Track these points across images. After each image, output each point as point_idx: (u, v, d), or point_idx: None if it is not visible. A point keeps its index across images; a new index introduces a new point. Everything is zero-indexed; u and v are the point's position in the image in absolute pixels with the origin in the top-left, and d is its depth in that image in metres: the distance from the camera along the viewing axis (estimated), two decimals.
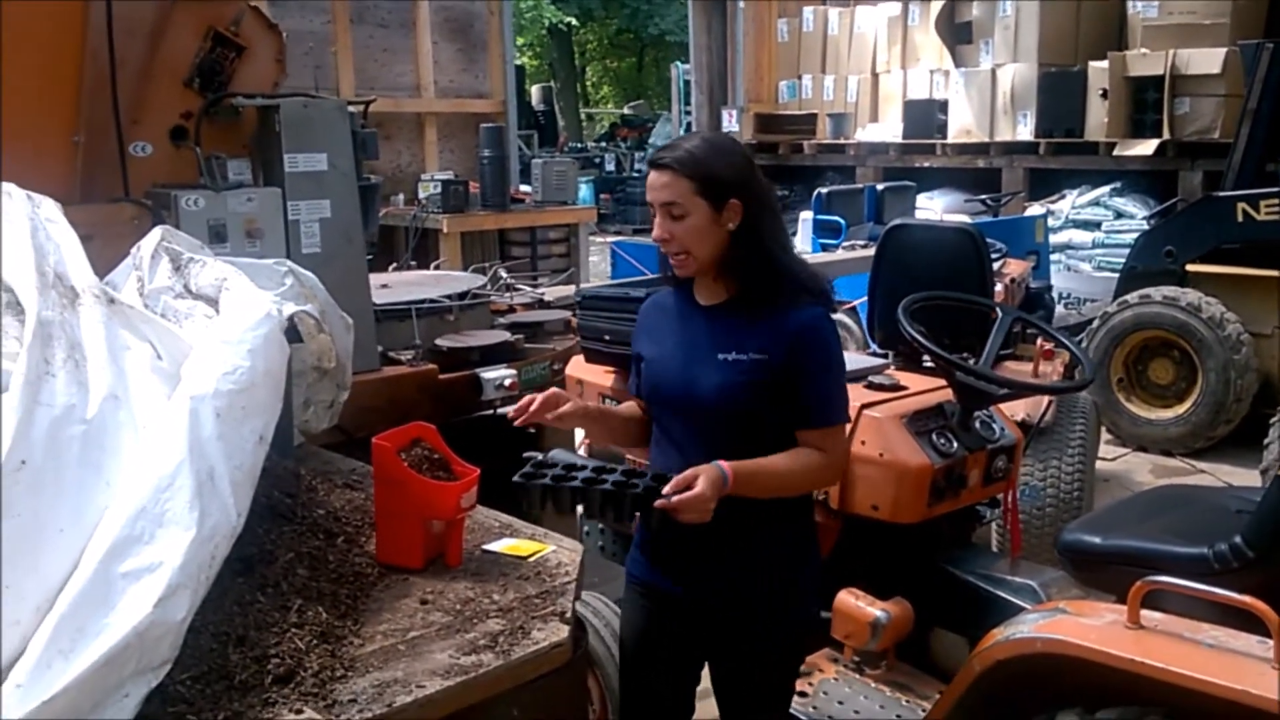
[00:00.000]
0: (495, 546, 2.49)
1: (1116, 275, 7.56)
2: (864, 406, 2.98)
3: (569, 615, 2.21)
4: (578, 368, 3.89)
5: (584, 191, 14.29)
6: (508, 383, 4.06)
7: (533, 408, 2.35)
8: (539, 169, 9.34)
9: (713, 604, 2.37)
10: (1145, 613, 2.16)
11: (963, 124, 10.64)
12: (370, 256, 4.31)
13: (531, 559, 2.45)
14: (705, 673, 2.54)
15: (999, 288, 5.82)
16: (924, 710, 2.80)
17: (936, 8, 10.82)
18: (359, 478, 2.91)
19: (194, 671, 1.84)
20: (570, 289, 5.48)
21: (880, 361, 3.44)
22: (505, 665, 2.02)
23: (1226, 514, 2.56)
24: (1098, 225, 9.50)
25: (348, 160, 3.81)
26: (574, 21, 27.24)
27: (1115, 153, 9.24)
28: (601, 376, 3.72)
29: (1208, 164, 8.61)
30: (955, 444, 2.96)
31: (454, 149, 10.33)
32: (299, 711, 1.82)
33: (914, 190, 9.11)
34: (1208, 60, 8.63)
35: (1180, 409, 6.71)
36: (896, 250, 4.90)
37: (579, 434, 4.21)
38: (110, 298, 2.22)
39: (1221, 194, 6.75)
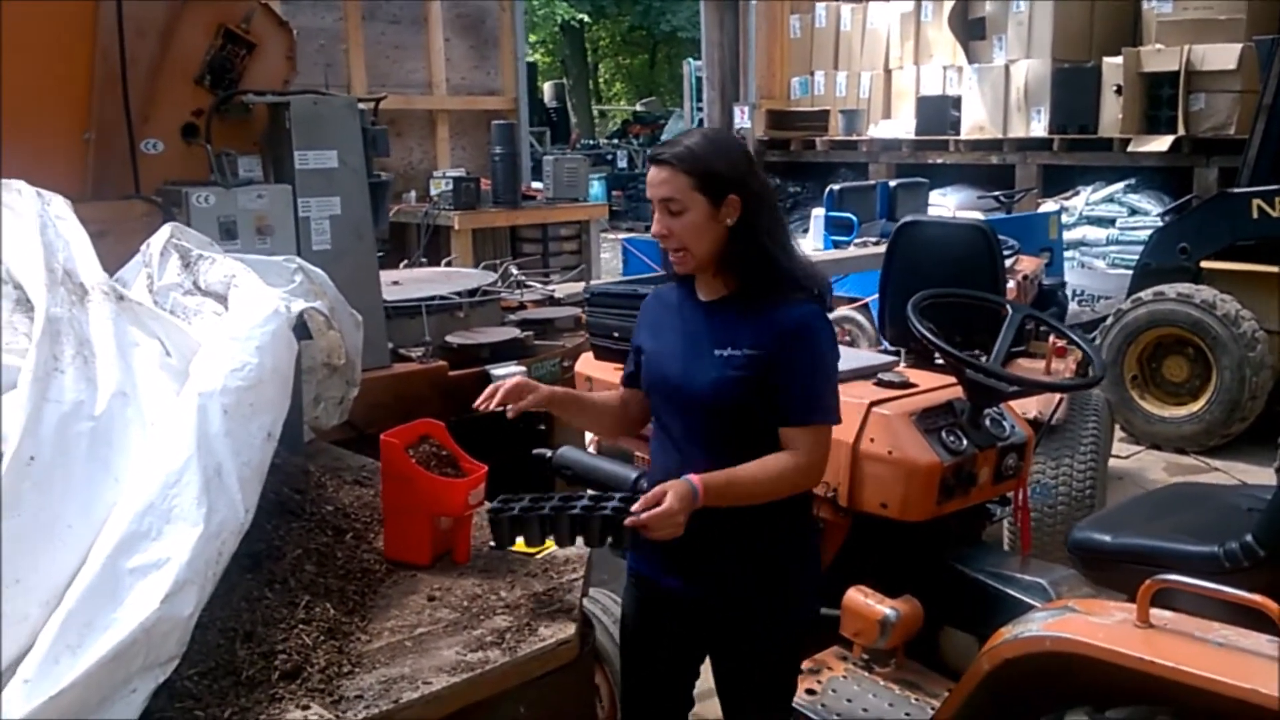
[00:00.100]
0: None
1: (1131, 272, 7.52)
2: (873, 404, 2.97)
3: (576, 612, 2.21)
4: (587, 364, 3.89)
5: (596, 188, 14.28)
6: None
7: (498, 396, 2.36)
8: (550, 166, 9.33)
9: (711, 601, 2.37)
10: (1155, 611, 2.15)
11: (976, 120, 10.59)
12: (381, 254, 4.32)
13: (539, 556, 2.45)
14: (708, 672, 2.54)
15: (1011, 284, 5.80)
16: (933, 708, 2.79)
17: (949, 4, 10.78)
18: (368, 474, 2.92)
19: (201, 667, 1.85)
20: (581, 286, 5.48)
21: (889, 359, 3.43)
22: (512, 662, 2.03)
23: (1238, 512, 2.54)
24: (1112, 222, 9.45)
25: (358, 157, 3.82)
26: (586, 18, 27.23)
27: (1130, 149, 9.19)
28: (610, 373, 3.72)
29: (1223, 160, 8.56)
30: (965, 442, 2.95)
31: (466, 146, 10.32)
32: (306, 707, 1.83)
33: (927, 187, 9.07)
34: (1223, 56, 8.58)
35: (1194, 407, 6.67)
36: (908, 247, 4.89)
37: (588, 433, 4.22)
38: (119, 294, 2.23)
39: (1236, 190, 6.71)
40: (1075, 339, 3.44)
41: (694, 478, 2.16)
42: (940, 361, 3.26)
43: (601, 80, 34.15)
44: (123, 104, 3.49)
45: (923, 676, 2.97)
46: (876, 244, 7.25)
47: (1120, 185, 9.45)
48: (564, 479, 3.45)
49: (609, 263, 11.62)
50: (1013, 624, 2.36)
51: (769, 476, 2.23)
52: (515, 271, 5.37)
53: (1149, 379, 6.89)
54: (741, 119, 12.38)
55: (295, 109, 3.65)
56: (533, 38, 25.89)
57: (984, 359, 3.08)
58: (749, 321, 2.27)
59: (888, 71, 11.79)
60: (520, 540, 2.27)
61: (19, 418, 1.78)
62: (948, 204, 9.99)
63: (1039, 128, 10.04)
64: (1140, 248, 7.73)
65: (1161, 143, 8.89)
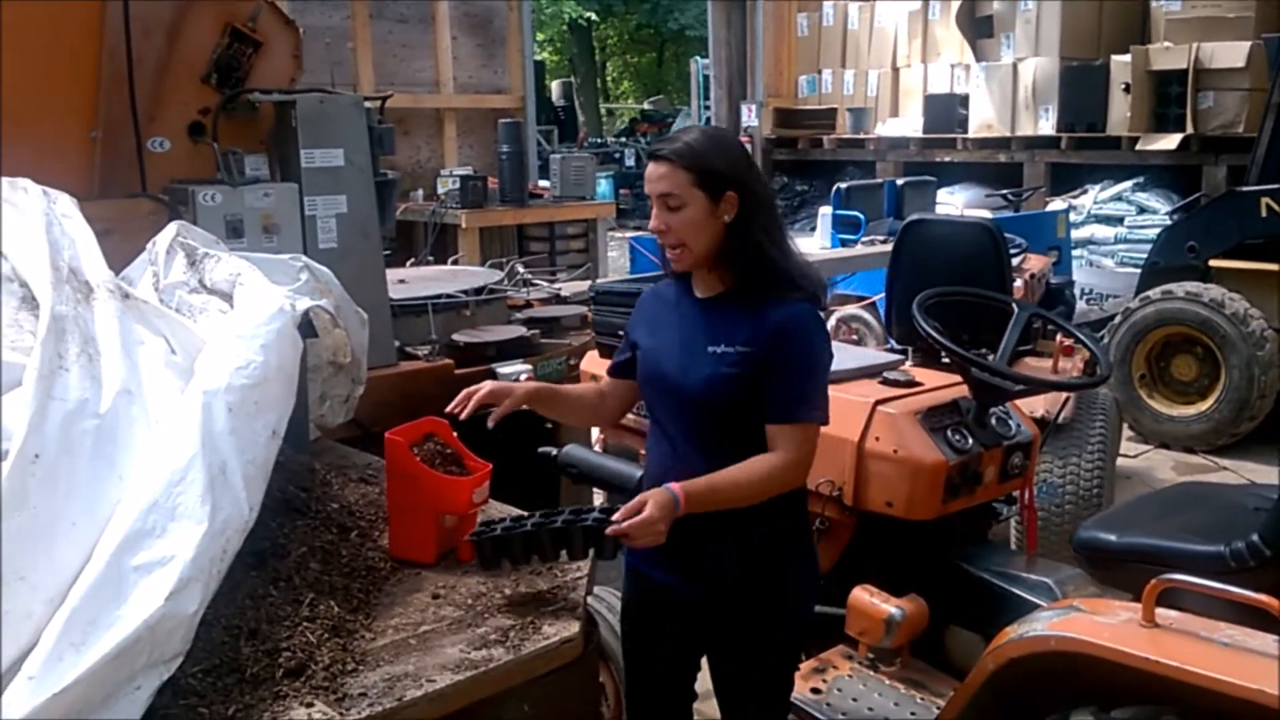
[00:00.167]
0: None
1: (1139, 271, 7.51)
2: (878, 402, 2.97)
3: (580, 610, 2.21)
4: (592, 363, 3.89)
5: (603, 187, 14.27)
6: (523, 378, 4.06)
7: (471, 402, 2.38)
8: (557, 164, 9.34)
9: (707, 601, 2.38)
10: (1160, 611, 2.14)
11: (984, 118, 10.58)
12: (388, 252, 4.32)
13: None
14: (708, 670, 2.54)
15: (1019, 283, 5.79)
16: (938, 708, 2.79)
17: (957, 2, 10.77)
18: (374, 472, 2.92)
19: (205, 664, 1.85)
20: (587, 284, 5.48)
21: (895, 357, 3.43)
22: (516, 660, 2.03)
23: (1244, 512, 2.53)
24: (1120, 220, 9.43)
25: (364, 156, 3.82)
26: (594, 17, 27.22)
27: (1138, 147, 9.18)
28: None
29: (1231, 158, 8.54)
30: (970, 440, 2.94)
31: (473, 144, 10.34)
32: (309, 705, 1.83)
33: (934, 185, 9.06)
34: (1232, 54, 8.56)
35: (1203, 406, 6.64)
36: (915, 245, 4.89)
37: (594, 432, 4.22)
38: (124, 292, 2.24)
39: (1245, 189, 6.69)
40: (1081, 337, 3.44)
41: (675, 486, 2.17)
42: (947, 360, 3.26)
43: (609, 79, 34.15)
44: (129, 103, 3.49)
45: (928, 675, 2.96)
46: (884, 242, 7.25)
47: (1128, 183, 9.43)
48: (569, 477, 3.45)
49: (616, 261, 11.62)
50: (1018, 623, 2.35)
51: (752, 479, 2.23)
52: (521, 270, 5.37)
53: (1157, 378, 6.86)
54: (749, 117, 12.40)
55: (301, 107, 3.65)
56: (540, 36, 25.89)
57: (990, 358, 3.08)
58: (744, 319, 2.27)
59: (895, 70, 11.79)
60: (506, 562, 2.27)
61: (24, 415, 1.79)
62: (955, 202, 9.98)
63: (1047, 126, 10.04)
64: (1148, 246, 7.72)
65: (1170, 141, 8.88)
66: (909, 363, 3.63)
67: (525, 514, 2.33)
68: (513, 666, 2.02)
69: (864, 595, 2.91)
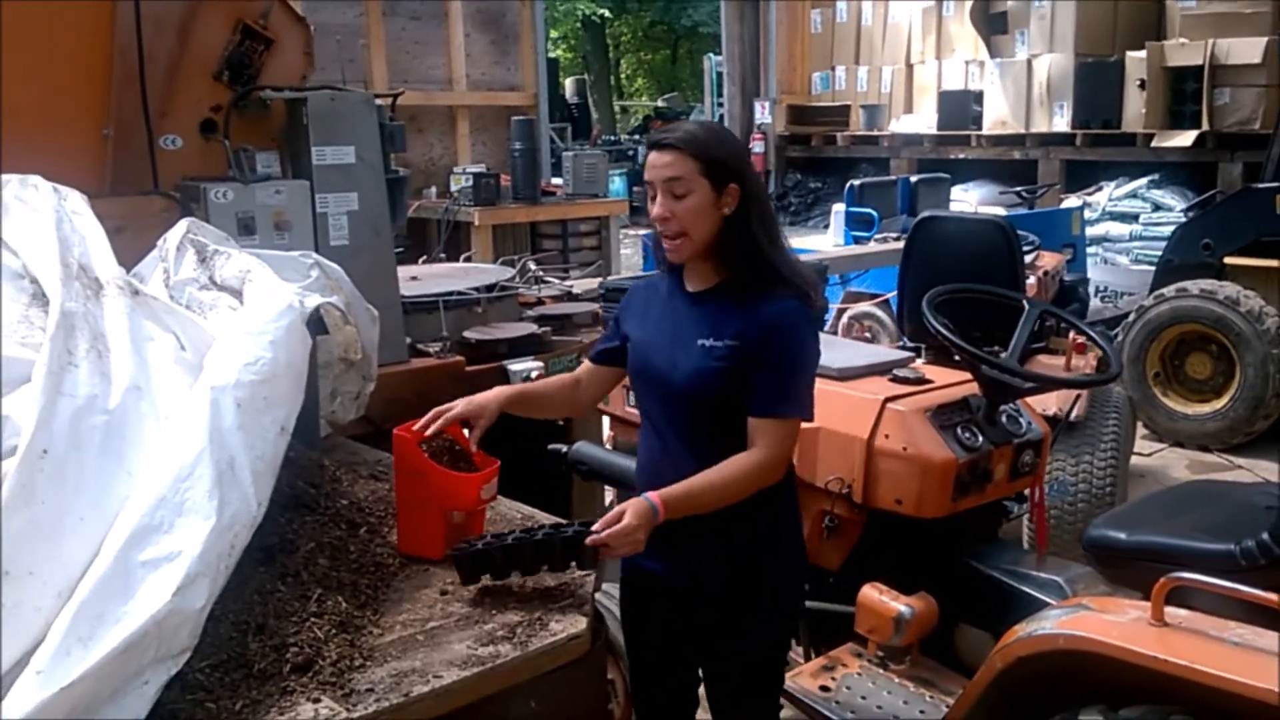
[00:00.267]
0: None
1: (1154, 268, 7.47)
2: (888, 400, 2.97)
3: (588, 607, 2.21)
4: None
5: (617, 184, 14.28)
6: (534, 375, 4.06)
7: (437, 423, 2.38)
8: (570, 161, 9.34)
9: (695, 590, 2.40)
10: (1170, 610, 2.13)
11: (998, 115, 10.55)
12: (400, 249, 4.32)
13: None
14: None
15: (1031, 280, 5.77)
16: (948, 706, 2.78)
17: None
18: (384, 469, 2.93)
19: (213, 659, 1.85)
20: (598, 281, 5.48)
21: (905, 354, 3.41)
22: (523, 656, 2.02)
23: (1255, 510, 2.51)
24: (1135, 217, 9.39)
25: (375, 153, 3.82)
26: (607, 14, 27.21)
27: (1153, 144, 9.14)
28: None
29: (1248, 155, 8.50)
30: (980, 438, 2.94)
31: (486, 142, 10.35)
32: (316, 700, 1.83)
33: (948, 182, 9.03)
34: (1248, 50, 8.51)
35: (1218, 404, 6.61)
36: (927, 242, 4.88)
37: (605, 429, 4.23)
38: (134, 289, 2.24)
39: (1261, 185, 6.66)
40: (1091, 334, 3.43)
41: (653, 495, 2.19)
42: (959, 358, 3.25)
43: (623, 76, 34.13)
44: (141, 100, 3.50)
45: (938, 674, 2.96)
46: (897, 239, 7.23)
47: (1144, 180, 9.39)
48: (579, 474, 3.45)
49: (629, 258, 11.62)
50: (1026, 622, 2.35)
51: (729, 480, 2.24)
52: (534, 267, 5.37)
53: (1171, 376, 6.83)
54: (762, 114, 12.39)
55: (312, 105, 3.65)
56: (554, 33, 25.90)
57: (1002, 355, 3.07)
58: (734, 313, 2.29)
59: (909, 66, 11.77)
60: (486, 577, 2.26)
61: (33, 411, 1.79)
62: (969, 199, 9.96)
63: (1061, 123, 10.00)
64: (1164, 243, 7.67)
65: (1185, 138, 8.84)
66: (921, 360, 3.62)
67: (503, 532, 2.33)
68: (520, 663, 2.02)
69: (873, 593, 2.91)
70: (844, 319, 6.57)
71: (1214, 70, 8.66)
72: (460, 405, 2.42)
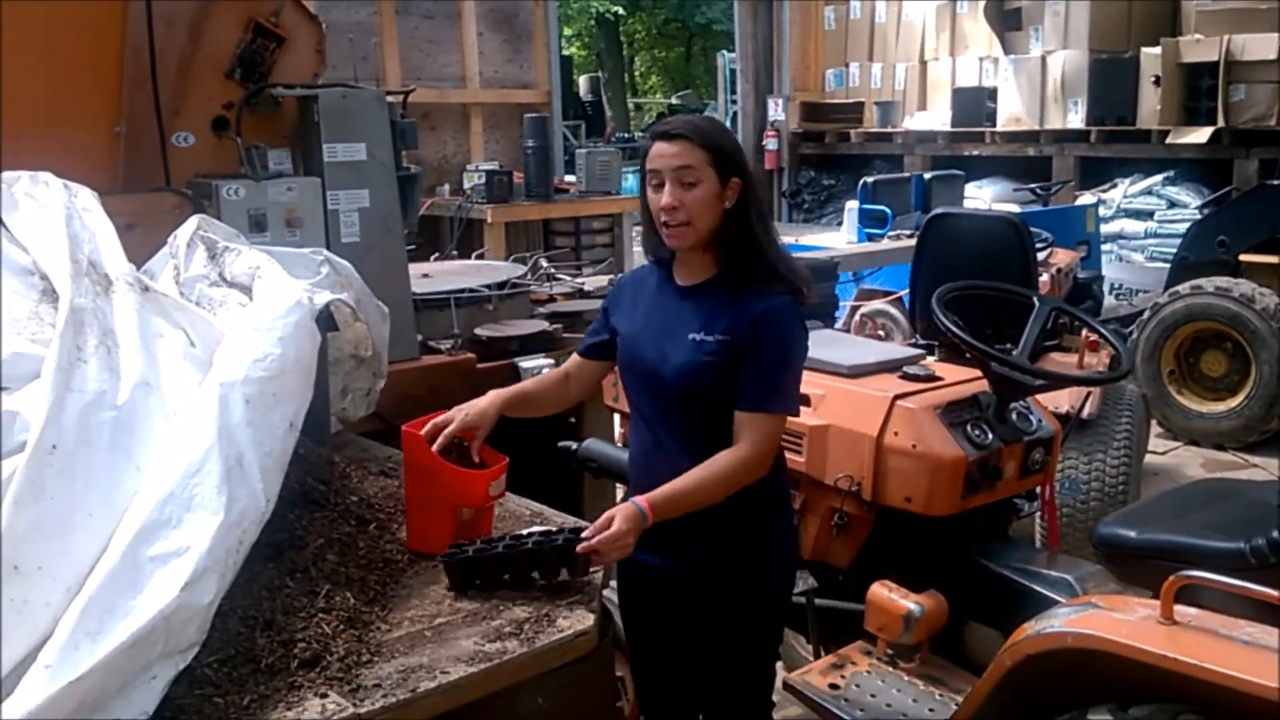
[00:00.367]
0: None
1: (1169, 265, 7.44)
2: (897, 397, 2.96)
3: (595, 604, 2.22)
4: None
5: (630, 181, 14.24)
6: (545, 372, 4.07)
7: (440, 439, 2.38)
8: (582, 159, 9.34)
9: (689, 585, 2.42)
10: (1179, 608, 2.12)
11: (1012, 112, 10.51)
12: (412, 247, 4.33)
13: None
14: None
15: (1045, 278, 5.74)
16: (957, 704, 2.77)
17: None
18: (394, 465, 2.94)
19: (221, 654, 1.86)
20: (608, 279, 5.48)
21: (915, 351, 3.40)
22: (530, 653, 2.03)
23: (1266, 508, 2.49)
24: (1150, 215, 9.34)
25: (386, 150, 3.83)
26: (621, 11, 27.19)
27: (1168, 141, 9.07)
28: None
29: (1263, 152, 8.44)
30: (990, 436, 2.92)
31: (499, 139, 10.35)
32: (324, 695, 1.84)
33: (962, 179, 9.00)
34: (1264, 46, 8.45)
35: (1233, 402, 6.58)
36: (939, 240, 4.87)
37: (616, 426, 4.23)
38: (144, 285, 2.25)
39: (1276, 182, 6.63)
40: (1102, 332, 3.41)
41: (640, 499, 2.22)
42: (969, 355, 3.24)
43: (638, 73, 34.09)
44: (153, 98, 3.52)
45: (947, 672, 2.95)
46: (910, 237, 7.20)
47: (1159, 177, 9.33)
48: (589, 471, 3.46)
49: (642, 256, 11.60)
50: (1035, 620, 2.34)
51: (715, 478, 2.26)
52: (545, 264, 5.38)
53: (1186, 374, 6.80)
54: (775, 111, 12.37)
55: (323, 102, 3.67)
56: (568, 31, 25.89)
57: (1013, 352, 3.06)
58: (724, 308, 2.31)
59: (923, 63, 11.72)
60: (476, 584, 2.26)
61: (42, 406, 1.81)
62: (983, 196, 9.92)
63: (1076, 119, 9.95)
64: (1179, 241, 7.64)
65: (1201, 134, 8.78)
66: (933, 358, 3.61)
67: (495, 538, 2.34)
68: (526, 659, 2.02)
69: (883, 591, 2.90)
70: (857, 316, 6.55)
71: (1229, 66, 8.60)
72: (458, 417, 2.42)
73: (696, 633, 2.45)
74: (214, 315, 2.49)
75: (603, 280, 5.47)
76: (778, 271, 2.33)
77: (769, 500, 2.41)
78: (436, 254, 6.46)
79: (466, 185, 9.09)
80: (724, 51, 18.81)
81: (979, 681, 2.48)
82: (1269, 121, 8.46)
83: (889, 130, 11.62)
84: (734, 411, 2.29)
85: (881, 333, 6.63)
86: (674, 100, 27.32)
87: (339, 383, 3.10)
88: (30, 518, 1.71)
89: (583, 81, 22.49)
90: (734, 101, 13.62)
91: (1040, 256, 5.73)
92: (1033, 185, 8.95)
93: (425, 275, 4.70)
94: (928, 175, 8.87)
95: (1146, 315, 6.82)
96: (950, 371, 3.20)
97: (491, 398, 2.49)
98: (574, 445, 3.44)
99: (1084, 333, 4.45)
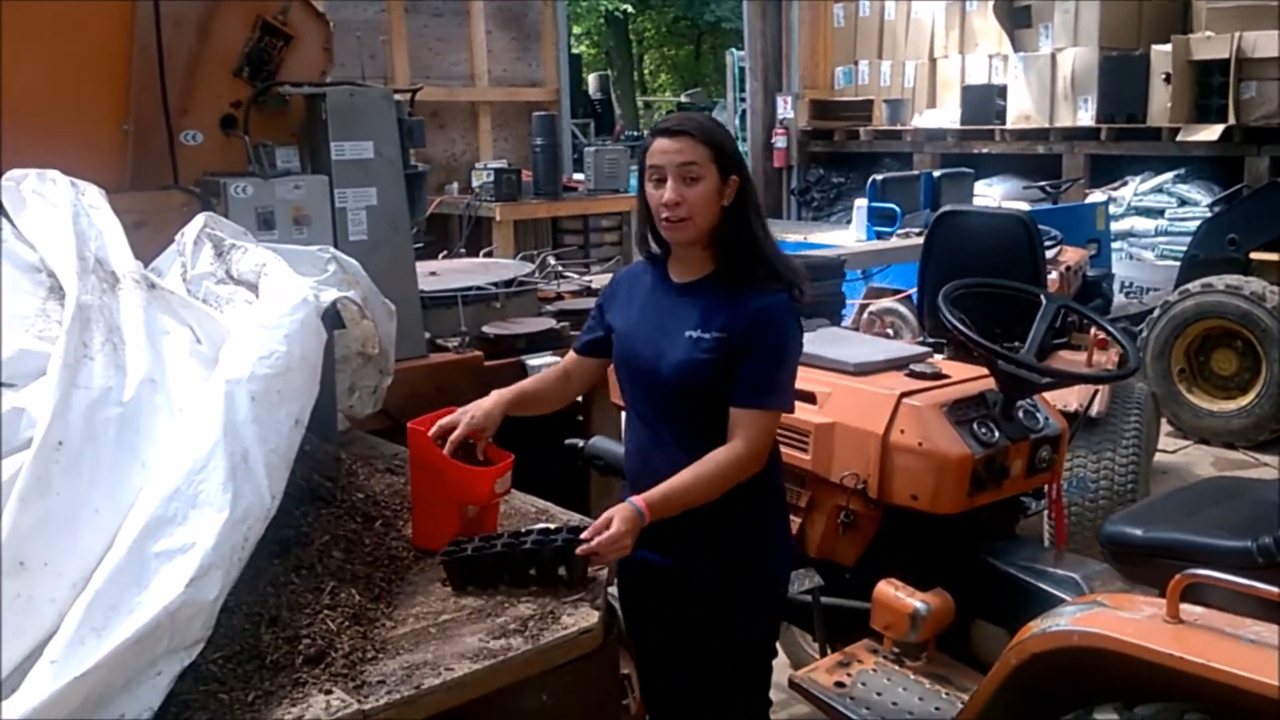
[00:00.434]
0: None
1: (1179, 263, 7.41)
2: (903, 395, 2.95)
3: (600, 601, 2.22)
4: None
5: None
6: (544, 370, 4.07)
7: (449, 445, 2.39)
8: (591, 157, 9.35)
9: (686, 582, 2.43)
10: (1185, 607, 2.11)
11: (1022, 109, 10.46)
12: (420, 245, 4.34)
13: None
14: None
15: (1053, 276, 5.73)
16: (963, 703, 2.76)
17: None
18: (401, 462, 2.94)
19: (226, 651, 1.87)
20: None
21: (922, 349, 3.39)
22: (534, 650, 2.03)
23: (1273, 507, 2.48)
24: (1161, 212, 9.29)
25: (394, 148, 3.84)
26: (630, 9, 27.16)
27: (1179, 138, 9.03)
28: None
29: (1274, 149, 8.40)
30: (997, 433, 2.91)
31: (508, 137, 10.37)
32: (328, 692, 1.84)
33: (971, 177, 8.97)
34: (1275, 43, 8.39)
35: (1243, 401, 6.55)
36: (947, 237, 4.86)
37: (623, 423, 4.22)
38: (151, 283, 2.26)
39: None
40: (1109, 329, 3.40)
41: (637, 499, 2.23)
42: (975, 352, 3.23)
43: (647, 71, 34.06)
44: (161, 96, 3.53)
45: (954, 670, 2.94)
46: (919, 235, 7.18)
47: (1169, 175, 9.29)
48: (596, 469, 3.46)
49: None
50: (1041, 618, 2.33)
51: (711, 475, 2.28)
52: (553, 262, 5.38)
53: (1197, 372, 6.77)
54: (784, 109, 12.35)
55: (331, 100, 3.68)
56: (577, 29, 25.88)
57: (1020, 350, 3.05)
58: (721, 305, 2.32)
59: (932, 60, 11.68)
60: (474, 583, 2.26)
61: (48, 403, 1.82)
62: (993, 194, 9.88)
63: (1086, 117, 9.90)
64: (1189, 239, 7.61)
65: (1211, 132, 8.73)
66: (942, 356, 3.60)
67: (494, 535, 2.33)
68: (531, 656, 2.03)
69: (889, 589, 2.90)
70: (865, 314, 6.55)
71: (1240, 64, 8.55)
72: (464, 420, 2.43)
73: (693, 630, 2.46)
74: (220, 312, 2.50)
75: (610, 278, 5.46)
76: (775, 269, 2.34)
77: (763, 496, 2.42)
78: (445, 252, 6.47)
79: (475, 183, 9.11)
80: (733, 49, 18.77)
81: (984, 680, 2.48)
82: None
83: (898, 128, 11.58)
84: (729, 408, 2.30)
85: (890, 331, 6.63)
86: (683, 98, 27.27)
87: (346, 380, 3.10)
88: (36, 514, 1.72)
89: (592, 79, 22.48)
90: (743, 99, 13.59)
91: (1049, 254, 5.72)
92: (1042, 183, 8.92)
93: (433, 273, 4.71)
94: (937, 173, 8.85)
95: (1156, 313, 6.79)
96: (957, 369, 3.19)
97: (496, 398, 2.50)
98: (580, 443, 3.44)
99: (1093, 331, 4.44)
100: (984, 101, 10.70)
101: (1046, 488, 3.23)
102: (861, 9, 12.34)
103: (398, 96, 3.96)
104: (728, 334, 2.29)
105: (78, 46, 3.37)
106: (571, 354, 2.67)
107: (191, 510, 1.85)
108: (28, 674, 1.61)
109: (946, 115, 11.27)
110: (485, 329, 4.26)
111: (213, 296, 2.57)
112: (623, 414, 4.13)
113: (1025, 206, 7.53)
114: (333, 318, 2.72)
